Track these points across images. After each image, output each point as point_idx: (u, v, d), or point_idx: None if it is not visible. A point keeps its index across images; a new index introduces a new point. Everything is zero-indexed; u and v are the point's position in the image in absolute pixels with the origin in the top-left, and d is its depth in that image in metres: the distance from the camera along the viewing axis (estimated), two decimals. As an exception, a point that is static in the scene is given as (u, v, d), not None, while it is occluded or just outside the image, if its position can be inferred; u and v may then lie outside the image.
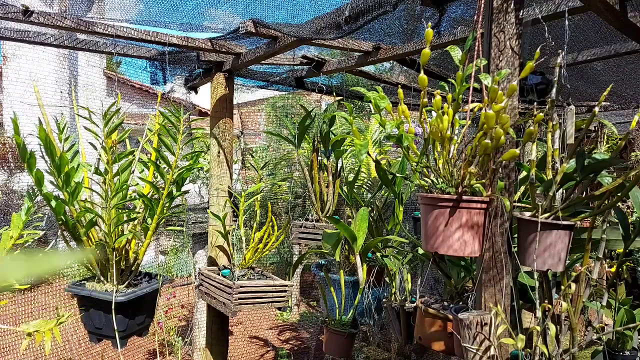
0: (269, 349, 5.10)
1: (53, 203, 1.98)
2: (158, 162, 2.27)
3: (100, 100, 2.48)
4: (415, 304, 2.49)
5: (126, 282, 2.20)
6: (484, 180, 1.41)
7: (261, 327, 5.69)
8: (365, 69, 3.24)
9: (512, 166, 1.49)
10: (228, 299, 2.45)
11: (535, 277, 1.54)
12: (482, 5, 1.47)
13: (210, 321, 3.06)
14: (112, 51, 2.73)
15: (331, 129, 2.99)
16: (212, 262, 3.03)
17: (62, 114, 2.44)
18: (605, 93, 1.48)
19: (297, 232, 2.94)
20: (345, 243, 2.95)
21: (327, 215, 3.02)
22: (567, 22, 1.47)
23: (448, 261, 2.35)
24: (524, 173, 1.69)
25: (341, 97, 3.52)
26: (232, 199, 2.99)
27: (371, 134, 4.19)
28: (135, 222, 2.27)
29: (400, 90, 1.61)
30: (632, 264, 5.03)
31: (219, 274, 2.68)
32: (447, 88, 1.47)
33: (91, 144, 2.13)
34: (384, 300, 2.92)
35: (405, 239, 2.84)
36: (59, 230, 2.14)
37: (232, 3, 2.29)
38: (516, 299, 1.60)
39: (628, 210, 4.02)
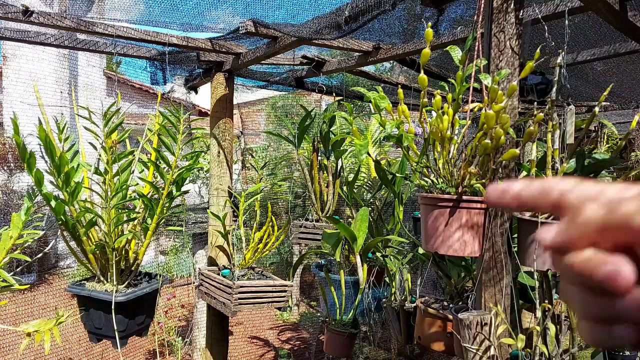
0: (269, 349, 5.10)
1: (53, 203, 1.98)
2: (158, 162, 2.27)
3: (100, 100, 2.48)
4: (415, 304, 2.49)
5: (126, 282, 2.20)
6: (484, 180, 1.41)
7: (261, 327, 5.69)
8: (365, 69, 3.24)
9: (512, 166, 1.49)
10: (228, 299, 2.45)
11: (535, 277, 1.54)
12: (482, 5, 1.47)
13: (210, 321, 3.06)
14: (112, 51, 2.73)
15: (331, 129, 2.99)
16: (212, 262, 3.03)
17: (62, 114, 2.44)
18: (605, 93, 1.48)
19: (297, 232, 2.94)
20: (345, 243, 2.95)
21: (327, 215, 3.02)
22: (567, 22, 1.47)
23: (448, 261, 2.35)
24: (524, 173, 1.69)
25: (341, 97, 3.52)
26: (232, 199, 2.99)
27: (371, 134, 4.18)
28: (135, 222, 2.27)
29: (400, 90, 1.61)
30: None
31: (219, 274, 2.68)
32: (447, 88, 1.47)
33: (91, 144, 2.13)
34: (384, 300, 2.92)
35: (405, 239, 2.84)
36: (59, 230, 2.14)
37: (232, 3, 2.29)
38: (516, 299, 1.60)
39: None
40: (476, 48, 1.48)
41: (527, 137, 1.34)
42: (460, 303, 2.25)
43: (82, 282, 2.22)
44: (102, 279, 2.19)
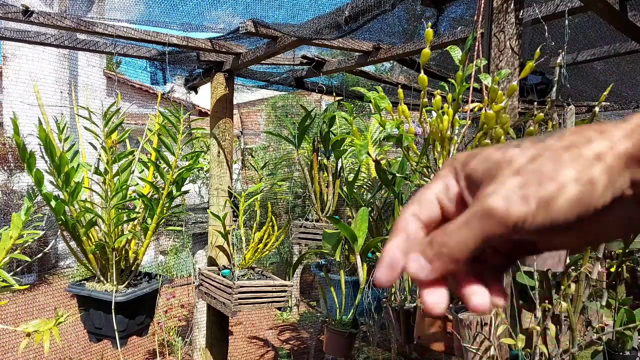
0: (269, 349, 5.10)
1: (53, 203, 1.98)
2: (158, 162, 2.27)
3: (100, 100, 2.48)
4: (415, 304, 2.49)
5: (126, 282, 2.20)
6: (484, 180, 1.41)
7: (261, 327, 5.69)
8: (365, 69, 3.24)
9: (512, 166, 1.48)
10: (228, 299, 2.45)
11: (535, 277, 1.54)
12: (482, 5, 1.47)
13: (210, 321, 3.06)
14: (112, 51, 2.73)
15: (331, 129, 2.99)
16: (212, 262, 3.03)
17: (62, 114, 2.44)
18: (605, 93, 1.48)
19: (297, 232, 2.94)
20: (345, 243, 2.95)
21: (327, 215, 3.02)
22: (567, 22, 1.47)
23: (448, 261, 2.34)
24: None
25: (341, 97, 3.52)
26: (232, 199, 2.99)
27: (371, 134, 4.18)
28: (135, 222, 2.27)
29: (400, 90, 1.61)
30: (632, 264, 5.02)
31: (219, 274, 2.68)
32: (447, 88, 1.47)
33: (91, 144, 2.13)
34: (384, 300, 2.92)
35: (405, 239, 2.83)
36: (59, 230, 2.14)
37: (232, 3, 2.29)
38: (516, 299, 1.60)
39: (628, 210, 4.00)
40: (476, 48, 1.48)
41: (527, 137, 1.34)
42: (460, 303, 2.24)
43: (82, 282, 2.22)
44: (102, 279, 2.19)
